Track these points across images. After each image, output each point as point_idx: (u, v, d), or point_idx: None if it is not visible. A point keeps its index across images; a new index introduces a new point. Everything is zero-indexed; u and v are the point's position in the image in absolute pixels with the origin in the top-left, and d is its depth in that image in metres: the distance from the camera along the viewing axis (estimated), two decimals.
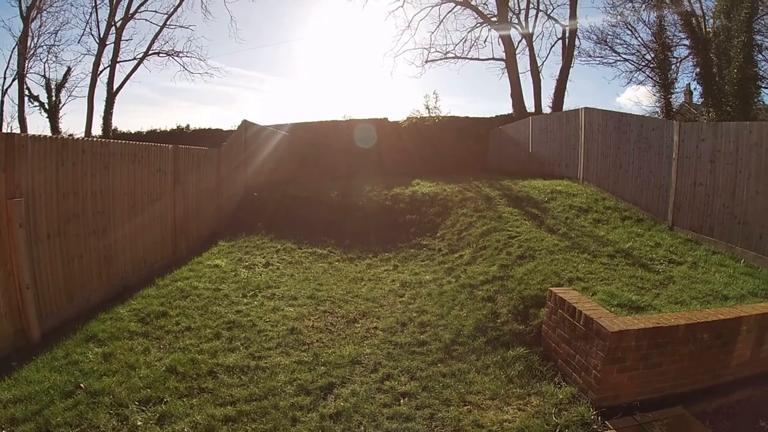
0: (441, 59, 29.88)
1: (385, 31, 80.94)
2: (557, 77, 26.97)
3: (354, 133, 22.07)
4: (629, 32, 28.74)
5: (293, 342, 6.60)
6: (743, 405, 5.55)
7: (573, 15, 26.54)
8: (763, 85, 21.17)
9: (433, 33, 49.17)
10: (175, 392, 5.19)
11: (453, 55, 29.63)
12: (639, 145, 11.37)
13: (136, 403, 4.94)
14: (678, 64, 26.07)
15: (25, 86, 28.74)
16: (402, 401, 5.29)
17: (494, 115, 24.39)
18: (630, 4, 26.98)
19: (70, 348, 5.96)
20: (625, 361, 5.13)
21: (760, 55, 21.03)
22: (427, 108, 23.38)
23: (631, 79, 33.56)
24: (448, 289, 8.44)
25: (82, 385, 5.13)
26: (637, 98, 56.50)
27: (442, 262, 10.05)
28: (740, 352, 5.76)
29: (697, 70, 22.10)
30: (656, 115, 25.17)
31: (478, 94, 68.74)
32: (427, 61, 29.96)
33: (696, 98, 26.54)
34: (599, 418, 4.98)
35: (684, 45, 25.12)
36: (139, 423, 4.64)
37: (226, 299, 8.00)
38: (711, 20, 22.61)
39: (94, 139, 7.79)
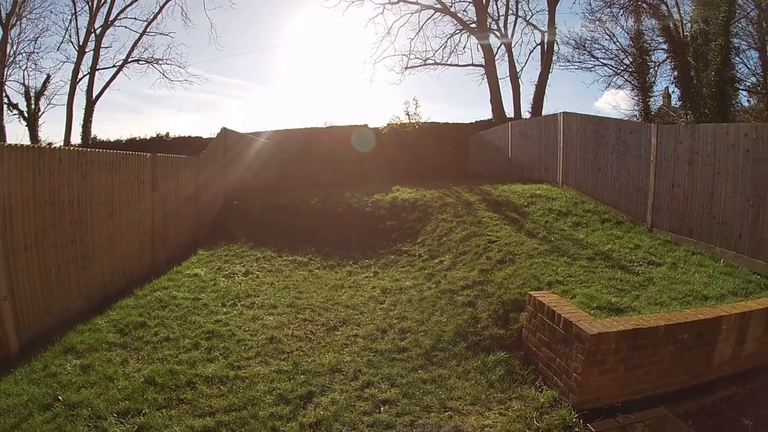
0: (421, 65, 29.96)
1: (365, 37, 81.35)
2: (536, 82, 27.21)
3: (336, 141, 21.99)
4: (608, 37, 28.91)
5: (273, 351, 6.51)
6: (726, 403, 5.54)
7: (552, 21, 26.78)
8: (740, 87, 21.53)
9: (412, 40, 49.51)
10: (154, 404, 5.10)
11: (433, 62, 29.72)
12: (617, 148, 11.42)
13: (115, 415, 4.85)
14: (656, 68, 26.43)
15: (3, 94, 28.27)
16: (382, 408, 5.22)
17: (474, 121, 24.54)
18: (608, 10, 27.32)
19: (48, 360, 5.85)
20: (606, 364, 5.09)
21: (737, 58, 21.44)
22: (407, 114, 23.44)
23: (609, 84, 33.86)
24: (428, 295, 8.38)
25: (60, 397, 5.05)
26: (615, 102, 57.08)
27: (422, 268, 9.99)
28: (721, 351, 5.76)
29: (675, 73, 22.45)
30: (635, 119, 25.39)
31: (458, 101, 69.00)
32: (406, 68, 29.99)
33: (674, 101, 26.89)
34: (581, 420, 4.94)
35: (662, 49, 25.51)
36: None
37: (205, 309, 7.89)
38: (689, 24, 22.95)
39: (72, 147, 7.66)
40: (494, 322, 6.94)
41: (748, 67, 23.92)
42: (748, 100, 25.28)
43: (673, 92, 27.58)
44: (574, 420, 4.92)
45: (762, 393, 5.76)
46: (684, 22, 23.73)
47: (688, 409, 5.35)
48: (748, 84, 23.97)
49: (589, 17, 28.85)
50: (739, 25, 21.91)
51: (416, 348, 6.62)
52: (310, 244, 12.17)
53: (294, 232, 12.85)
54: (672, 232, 9.52)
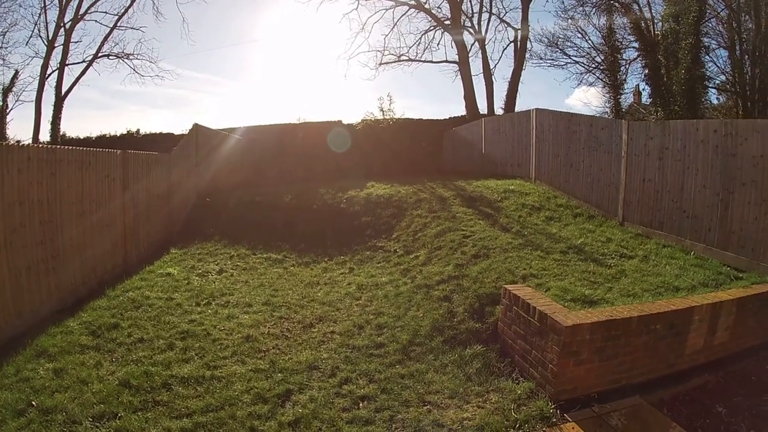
0: (395, 62, 29.87)
1: (340, 33, 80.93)
2: (509, 79, 27.32)
3: (310, 137, 21.87)
4: (580, 35, 29.28)
5: (249, 350, 6.46)
6: (699, 391, 5.67)
7: (525, 19, 26.97)
8: (709, 85, 21.95)
9: (387, 36, 48.98)
10: (129, 406, 5.02)
11: (407, 58, 29.65)
12: (589, 144, 11.56)
13: (90, 419, 4.76)
14: (627, 66, 26.85)
15: None
16: (361, 405, 5.23)
17: (448, 117, 24.50)
18: (581, 9, 27.67)
19: (20, 364, 5.72)
20: (581, 355, 5.16)
21: (707, 57, 21.85)
22: (381, 110, 23.30)
23: (581, 81, 34.10)
24: (404, 290, 8.39)
25: (33, 402, 4.95)
26: (587, 99, 57.78)
27: (398, 264, 10.01)
28: (693, 341, 5.89)
29: (646, 71, 22.79)
30: (606, 116, 25.74)
31: (432, 97, 69.33)
32: (381, 64, 29.87)
33: (645, 98, 27.40)
34: (558, 411, 5.00)
35: (633, 47, 25.88)
36: None
37: (179, 308, 7.79)
38: (660, 23, 23.32)
39: (41, 145, 7.50)
40: (470, 315, 6.98)
41: (717, 66, 24.44)
42: (717, 98, 25.88)
43: (643, 90, 28.16)
44: (551, 410, 4.99)
45: (733, 381, 5.91)
46: (655, 21, 24.18)
47: (662, 397, 5.46)
48: (717, 82, 24.49)
49: (562, 15, 29.19)
50: (710, 25, 22.34)
51: (393, 343, 6.63)
52: (284, 241, 12.10)
53: (268, 230, 12.75)
54: (643, 226, 9.66)
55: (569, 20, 28.38)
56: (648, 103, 25.45)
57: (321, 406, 5.15)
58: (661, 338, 5.62)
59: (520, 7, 27.08)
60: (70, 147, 7.99)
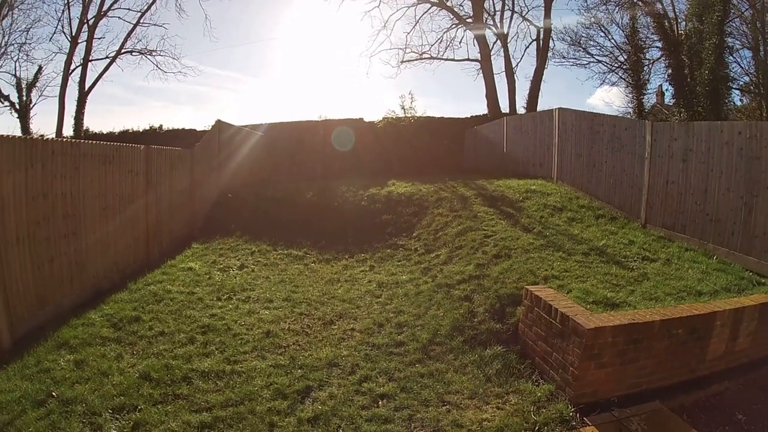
0: (416, 59, 29.76)
1: (361, 30, 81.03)
2: (531, 78, 27.14)
3: (331, 135, 21.91)
4: (603, 34, 29.18)
5: (269, 345, 6.51)
6: (719, 398, 5.62)
7: (547, 16, 26.74)
8: (733, 86, 21.63)
9: (408, 33, 49.06)
10: (149, 399, 5.07)
11: (428, 56, 29.52)
12: (612, 144, 11.47)
13: (110, 411, 4.81)
14: (650, 66, 26.52)
15: None
16: (380, 403, 5.26)
17: (469, 116, 24.39)
18: (604, 7, 27.37)
19: (41, 355, 5.78)
20: (602, 358, 5.15)
21: (730, 57, 21.51)
22: (403, 108, 23.28)
23: (604, 81, 34.04)
24: (424, 289, 8.41)
25: (54, 393, 4.99)
26: (610, 99, 57.13)
27: (418, 262, 10.03)
28: (715, 346, 5.84)
29: (669, 71, 22.49)
30: (629, 116, 25.49)
31: (454, 95, 68.97)
32: (402, 62, 29.80)
33: (668, 99, 27.04)
34: (578, 414, 4.99)
35: (656, 47, 25.59)
36: (113, 431, 4.54)
37: (200, 303, 7.86)
38: (683, 23, 23.01)
39: (65, 139, 7.60)
40: (491, 316, 6.98)
41: (741, 67, 24.14)
42: (740, 99, 25.49)
43: (666, 90, 27.79)
44: (570, 414, 4.98)
45: (754, 388, 5.86)
46: (679, 20, 23.83)
47: (683, 403, 5.42)
48: (741, 83, 24.16)
49: (585, 14, 28.87)
50: (733, 25, 22.02)
51: (413, 342, 6.65)
52: (305, 238, 12.15)
53: (289, 226, 12.82)
54: (665, 228, 9.59)
55: (592, 18, 28.08)
56: (671, 104, 25.16)
57: (340, 403, 5.19)
58: (682, 343, 5.58)
59: (543, 4, 26.84)
60: (94, 141, 8.04)
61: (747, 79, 24.22)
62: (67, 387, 5.14)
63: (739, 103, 25.19)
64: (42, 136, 21.67)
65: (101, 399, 4.97)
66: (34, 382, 5.18)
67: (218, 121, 14.53)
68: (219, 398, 5.17)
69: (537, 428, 4.80)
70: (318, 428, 4.77)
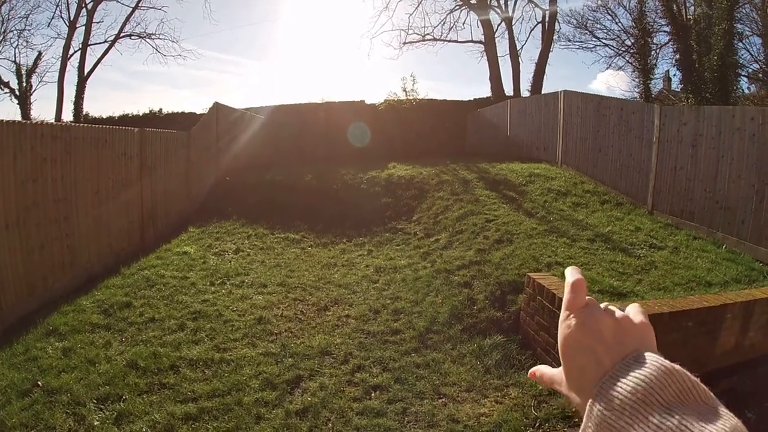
0: (419, 41, 29.32)
1: (363, 11, 79.91)
2: (536, 61, 26.74)
3: (332, 117, 21.66)
4: (609, 17, 28.53)
5: (261, 332, 6.33)
6: (728, 395, 5.34)
7: None
8: (742, 74, 21.25)
9: (411, 15, 48.30)
10: (135, 389, 4.93)
11: (431, 37, 29.09)
12: (619, 128, 11.18)
13: (94, 401, 4.68)
14: (658, 50, 26.09)
15: None
16: (373, 395, 5.05)
17: (472, 99, 24.11)
18: None
19: (30, 343, 5.69)
20: None
21: (740, 44, 21.10)
22: (405, 91, 22.97)
23: (610, 64, 33.44)
24: (423, 275, 8.17)
25: (40, 382, 4.90)
26: (615, 83, 56.56)
27: (417, 247, 9.79)
28: (724, 340, 5.60)
29: (677, 56, 22.07)
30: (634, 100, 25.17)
31: (457, 78, 68.22)
32: (404, 43, 29.35)
33: (675, 84, 26.64)
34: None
35: (664, 31, 25.12)
36: (96, 423, 4.39)
37: (193, 288, 7.69)
38: (692, 7, 22.59)
39: (55, 123, 7.42)
40: (491, 303, 6.75)
41: (750, 54, 23.67)
42: (748, 87, 25.11)
43: (674, 75, 27.36)
44: (572, 409, 4.75)
45: (764, 385, 5.62)
46: (687, 4, 23.41)
47: None
48: (750, 70, 23.75)
49: None
50: (743, 11, 21.63)
51: (410, 330, 6.43)
52: (303, 222, 11.94)
53: (288, 209, 12.58)
54: (673, 216, 9.33)
55: (599, 0, 27.67)
56: (678, 90, 24.80)
57: (331, 394, 4.99)
58: (691, 336, 5.34)
59: None
60: (86, 125, 7.90)
61: (756, 66, 23.80)
62: (53, 376, 5.04)
63: (747, 91, 24.85)
64: (31, 119, 21.50)
65: (87, 388, 4.85)
66: (21, 371, 5.10)
67: (216, 104, 14.27)
68: (206, 388, 5.00)
69: (537, 424, 4.58)
70: (306, 421, 4.56)
